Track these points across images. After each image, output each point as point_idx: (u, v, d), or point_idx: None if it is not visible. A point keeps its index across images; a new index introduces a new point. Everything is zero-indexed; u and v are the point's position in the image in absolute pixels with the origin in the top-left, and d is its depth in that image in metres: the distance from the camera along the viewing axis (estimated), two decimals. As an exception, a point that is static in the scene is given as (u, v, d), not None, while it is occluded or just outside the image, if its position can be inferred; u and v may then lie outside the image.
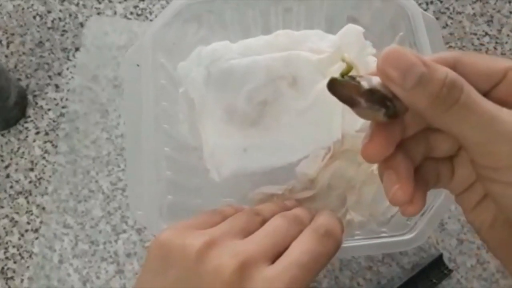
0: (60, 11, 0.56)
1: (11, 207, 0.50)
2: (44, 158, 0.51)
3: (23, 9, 0.56)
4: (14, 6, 0.56)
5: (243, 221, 0.27)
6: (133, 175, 0.37)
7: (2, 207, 0.50)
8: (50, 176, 0.51)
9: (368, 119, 0.23)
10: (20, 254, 0.49)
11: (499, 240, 0.24)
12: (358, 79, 0.22)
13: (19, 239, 0.49)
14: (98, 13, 0.56)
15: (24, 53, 0.55)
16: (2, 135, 0.52)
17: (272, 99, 0.37)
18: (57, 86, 0.54)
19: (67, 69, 0.54)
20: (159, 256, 0.26)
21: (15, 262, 0.49)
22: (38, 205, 0.50)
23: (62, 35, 0.55)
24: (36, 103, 0.53)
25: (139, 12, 0.57)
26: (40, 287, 0.48)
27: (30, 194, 0.50)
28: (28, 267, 0.48)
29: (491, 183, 0.22)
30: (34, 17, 0.56)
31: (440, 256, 0.48)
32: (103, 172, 0.51)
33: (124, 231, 0.49)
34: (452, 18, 0.56)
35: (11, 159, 0.52)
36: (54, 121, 0.53)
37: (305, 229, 0.27)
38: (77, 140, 0.52)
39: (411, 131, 0.25)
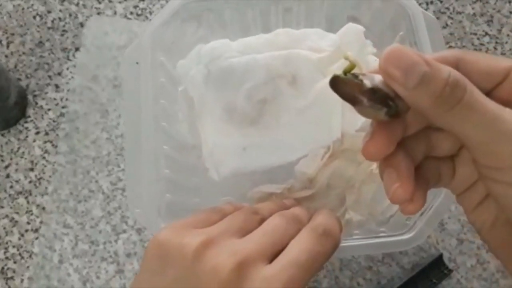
0: (60, 11, 0.56)
1: (11, 207, 0.50)
2: (44, 158, 0.51)
3: (23, 9, 0.56)
4: (14, 6, 0.56)
5: (241, 220, 0.27)
6: (132, 173, 0.37)
7: (2, 207, 0.50)
8: (50, 176, 0.51)
9: (370, 117, 0.23)
10: (20, 254, 0.49)
11: (500, 240, 0.24)
12: (360, 77, 0.22)
13: (19, 239, 0.49)
14: (98, 13, 0.56)
15: (24, 53, 0.55)
16: (2, 135, 0.52)
17: (271, 98, 0.37)
18: (57, 86, 0.54)
19: (67, 69, 0.54)
20: (156, 256, 0.26)
21: (15, 262, 0.48)
22: (38, 205, 0.50)
23: (62, 35, 0.56)
24: (36, 103, 0.53)
25: (139, 12, 0.57)
26: (40, 287, 0.48)
27: (30, 194, 0.50)
28: (28, 267, 0.48)
29: (494, 183, 0.22)
30: (34, 17, 0.56)
31: (440, 256, 0.47)
32: (103, 172, 0.51)
33: (124, 231, 0.49)
34: (452, 18, 0.56)
35: (11, 159, 0.52)
36: (54, 121, 0.53)
37: (304, 228, 0.27)
38: (77, 140, 0.52)
39: (412, 130, 0.25)
